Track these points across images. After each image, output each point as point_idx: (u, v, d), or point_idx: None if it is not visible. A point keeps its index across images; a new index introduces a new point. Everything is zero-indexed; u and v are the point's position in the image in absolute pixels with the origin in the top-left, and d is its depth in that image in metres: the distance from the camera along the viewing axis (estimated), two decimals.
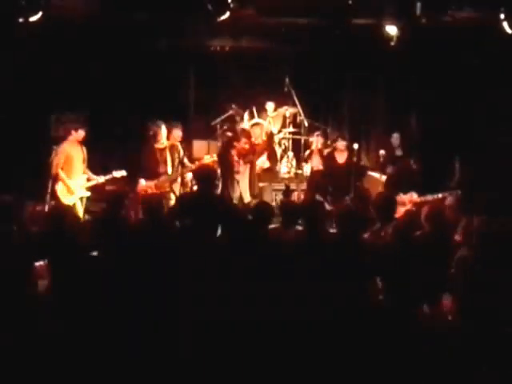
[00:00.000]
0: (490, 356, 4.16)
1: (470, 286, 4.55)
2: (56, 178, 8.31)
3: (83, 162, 8.49)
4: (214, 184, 6.66)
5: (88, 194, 8.49)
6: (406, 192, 8.20)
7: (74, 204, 8.30)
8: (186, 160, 8.95)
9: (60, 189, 8.31)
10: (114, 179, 8.49)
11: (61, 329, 4.42)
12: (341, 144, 9.39)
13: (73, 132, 8.40)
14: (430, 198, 8.11)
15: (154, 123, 8.64)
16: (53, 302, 4.59)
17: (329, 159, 9.46)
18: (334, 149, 9.60)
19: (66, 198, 8.30)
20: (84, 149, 8.52)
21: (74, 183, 8.38)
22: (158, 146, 8.62)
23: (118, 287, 4.63)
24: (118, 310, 4.46)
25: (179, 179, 8.84)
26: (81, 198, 8.46)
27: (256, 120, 10.51)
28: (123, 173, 8.47)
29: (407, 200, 8.09)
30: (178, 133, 8.99)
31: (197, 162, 8.88)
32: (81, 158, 8.46)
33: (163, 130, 8.63)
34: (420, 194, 8.17)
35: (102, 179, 8.50)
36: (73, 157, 8.38)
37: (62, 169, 8.32)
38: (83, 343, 4.31)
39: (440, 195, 8.09)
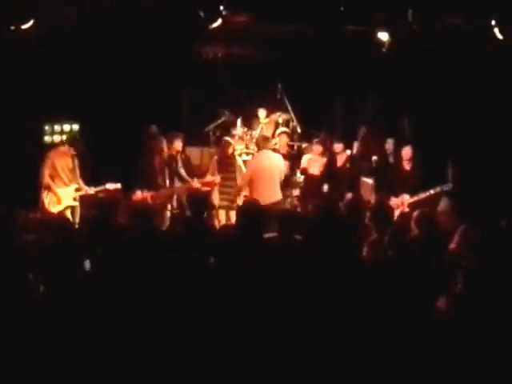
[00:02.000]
0: (486, 359, 4.16)
1: (468, 290, 4.55)
2: (44, 187, 8.31)
3: (72, 171, 8.46)
4: (203, 212, 6.57)
5: (76, 203, 8.44)
6: (397, 195, 8.24)
7: (62, 213, 8.26)
8: (183, 173, 8.88)
9: (47, 197, 8.31)
10: (107, 191, 8.44)
11: (53, 337, 4.39)
12: (337, 147, 9.44)
13: (65, 146, 8.50)
14: (422, 195, 8.15)
15: (156, 136, 8.61)
16: (47, 315, 4.56)
17: (330, 165, 9.48)
18: (335, 153, 9.63)
19: (53, 207, 8.29)
20: (75, 159, 8.50)
21: (62, 192, 8.36)
22: (159, 158, 8.60)
23: (113, 298, 4.61)
24: (111, 321, 4.44)
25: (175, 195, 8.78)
26: (72, 208, 8.43)
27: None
28: (117, 186, 8.42)
29: (400, 202, 8.12)
30: (178, 143, 8.98)
31: (195, 179, 8.80)
32: (70, 167, 8.45)
33: (165, 143, 8.62)
34: (412, 195, 8.21)
35: (92, 191, 8.48)
36: (60, 166, 8.39)
37: (50, 177, 8.32)
38: (75, 352, 4.29)
39: (432, 191, 8.13)
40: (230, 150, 9.20)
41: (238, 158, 9.44)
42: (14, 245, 5.13)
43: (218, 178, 8.87)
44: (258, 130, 10.91)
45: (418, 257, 5.26)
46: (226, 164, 9.10)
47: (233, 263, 4.95)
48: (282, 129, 10.71)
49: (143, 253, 5.12)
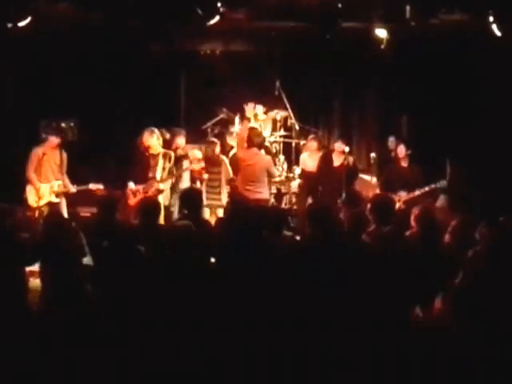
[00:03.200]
0: (485, 358, 4.17)
1: (467, 288, 4.55)
2: (27, 182, 8.28)
3: (58, 167, 8.41)
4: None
5: (57, 200, 8.38)
6: (395, 192, 8.24)
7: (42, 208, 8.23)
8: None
9: (28, 191, 8.28)
10: (89, 191, 8.39)
11: (52, 335, 4.39)
12: (339, 146, 9.42)
13: (50, 138, 8.39)
14: (418, 192, 8.18)
15: (149, 129, 8.62)
16: (45, 311, 4.57)
17: (325, 161, 9.46)
18: (332, 151, 9.62)
19: (33, 201, 8.25)
20: (63, 155, 8.46)
21: (44, 187, 8.33)
22: (152, 151, 8.59)
23: (115, 294, 4.61)
24: (111, 318, 4.44)
25: (167, 186, 8.75)
26: (55, 204, 8.38)
27: (252, 124, 10.46)
28: (100, 186, 8.38)
29: (396, 199, 8.12)
30: (181, 140, 9.10)
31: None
32: (55, 163, 8.41)
33: (157, 137, 8.60)
34: (408, 192, 8.23)
35: (74, 189, 8.44)
36: (45, 161, 8.34)
37: (35, 172, 8.28)
38: (73, 347, 4.28)
39: (427, 188, 8.17)
40: (217, 150, 9.33)
41: (223, 157, 9.46)
42: (12, 242, 5.13)
43: (202, 164, 9.04)
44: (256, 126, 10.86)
45: (417, 253, 5.27)
46: (212, 163, 9.23)
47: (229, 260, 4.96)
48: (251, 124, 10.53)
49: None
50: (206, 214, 9.02)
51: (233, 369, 4.22)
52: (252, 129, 9.09)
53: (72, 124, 9.83)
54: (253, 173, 8.20)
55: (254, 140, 8.35)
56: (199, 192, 7.80)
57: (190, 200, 6.48)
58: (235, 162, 8.99)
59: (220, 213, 9.08)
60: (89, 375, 4.13)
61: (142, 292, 4.61)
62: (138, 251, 5.12)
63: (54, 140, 8.39)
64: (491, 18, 8.39)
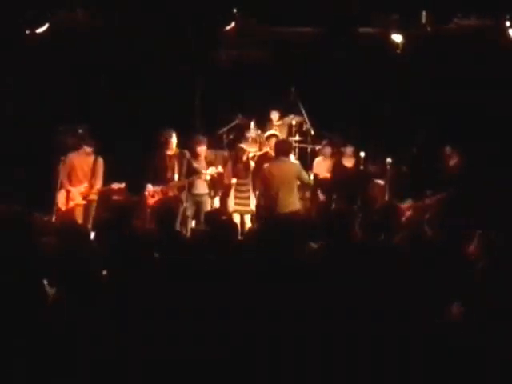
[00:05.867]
0: (502, 363, 4.14)
1: (484, 294, 4.52)
2: (60, 187, 8.56)
3: (88, 172, 8.63)
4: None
5: (83, 202, 8.61)
6: (401, 200, 8.21)
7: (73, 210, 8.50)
8: (195, 165, 8.93)
9: (60, 196, 8.57)
10: (112, 190, 8.61)
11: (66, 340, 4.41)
12: (349, 150, 9.41)
13: (84, 146, 8.63)
14: (427, 201, 8.15)
15: (166, 130, 8.70)
16: (60, 317, 4.58)
17: (337, 165, 9.46)
18: (342, 155, 9.62)
19: (63, 205, 8.54)
20: (98, 161, 8.67)
21: (74, 190, 8.60)
22: (168, 152, 8.70)
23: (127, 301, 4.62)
24: (127, 325, 4.45)
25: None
26: (85, 206, 8.57)
27: (272, 131, 10.51)
28: (122, 185, 8.56)
29: (405, 208, 8.07)
30: (203, 148, 9.06)
31: (203, 171, 8.87)
32: (84, 168, 8.64)
33: (174, 137, 8.70)
34: (416, 199, 8.20)
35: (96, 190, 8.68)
36: (77, 166, 8.63)
37: (68, 176, 8.61)
38: (87, 354, 4.29)
39: (437, 196, 8.13)
40: (245, 157, 9.39)
41: (251, 163, 9.51)
42: (29, 246, 5.15)
43: (234, 180, 9.17)
44: (272, 132, 10.88)
45: (432, 258, 5.24)
46: (240, 169, 9.31)
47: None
48: (271, 132, 10.53)
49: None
50: (236, 218, 9.04)
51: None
52: (275, 136, 9.15)
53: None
54: (282, 183, 7.85)
55: (282, 148, 8.10)
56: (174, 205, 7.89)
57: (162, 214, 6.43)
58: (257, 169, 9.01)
59: (247, 219, 9.17)
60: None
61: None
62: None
63: (87, 149, 8.61)
64: (508, 23, 8.37)
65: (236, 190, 9.24)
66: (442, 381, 4.13)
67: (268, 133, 10.33)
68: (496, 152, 9.51)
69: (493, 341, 4.16)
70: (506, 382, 4.05)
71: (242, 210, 9.21)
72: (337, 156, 9.87)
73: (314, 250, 5.57)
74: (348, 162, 9.36)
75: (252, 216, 9.08)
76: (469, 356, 4.13)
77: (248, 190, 9.23)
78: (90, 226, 8.22)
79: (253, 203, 9.09)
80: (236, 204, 9.19)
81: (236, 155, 9.44)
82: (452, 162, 8.76)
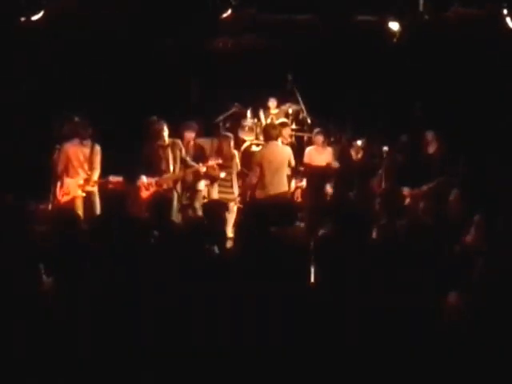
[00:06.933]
0: (500, 354, 4.13)
1: (482, 283, 4.50)
2: (57, 177, 8.42)
3: (84, 162, 8.47)
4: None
5: (83, 194, 8.45)
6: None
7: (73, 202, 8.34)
8: (188, 158, 8.87)
9: (58, 187, 8.42)
10: (110, 183, 8.51)
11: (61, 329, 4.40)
12: (358, 143, 9.41)
13: (80, 134, 8.46)
14: (424, 188, 8.10)
15: (157, 121, 8.62)
16: (58, 304, 4.57)
17: (343, 156, 9.44)
18: (350, 146, 9.59)
19: (62, 197, 8.38)
20: (92, 147, 8.49)
21: (71, 182, 8.43)
22: (161, 143, 8.58)
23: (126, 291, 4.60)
24: (120, 312, 4.44)
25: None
26: (85, 198, 8.48)
27: (283, 119, 10.48)
28: (119, 178, 8.50)
29: (407, 194, 8.05)
30: (191, 134, 9.02)
31: (201, 164, 8.75)
32: (80, 157, 8.47)
33: (165, 129, 8.60)
34: (412, 187, 8.15)
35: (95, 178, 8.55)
36: (72, 156, 8.43)
37: (64, 167, 8.41)
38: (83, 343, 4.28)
39: (431, 185, 8.08)
40: (229, 145, 9.27)
41: (235, 152, 9.45)
42: (24, 235, 5.13)
43: (219, 160, 8.89)
44: (268, 120, 10.86)
45: (430, 246, 5.23)
46: (224, 158, 9.11)
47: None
48: (282, 119, 10.53)
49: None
50: None
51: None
52: (287, 125, 9.13)
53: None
54: (275, 167, 8.07)
55: (270, 133, 8.24)
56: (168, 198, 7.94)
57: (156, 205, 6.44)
58: (248, 157, 8.97)
59: (232, 206, 9.05)
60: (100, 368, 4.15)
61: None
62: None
63: (84, 136, 8.44)
64: (505, 11, 8.34)
65: (219, 179, 9.14)
66: (442, 372, 4.12)
67: (279, 120, 10.37)
68: (494, 139, 9.51)
69: (492, 330, 4.16)
70: (505, 372, 4.05)
71: (226, 198, 9.09)
72: (342, 147, 9.82)
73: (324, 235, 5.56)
74: (355, 155, 9.34)
75: (235, 203, 9.05)
76: (468, 346, 4.13)
77: (231, 179, 9.20)
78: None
79: (236, 191, 9.11)
80: (220, 192, 9.12)
81: (220, 144, 9.35)
82: (431, 149, 8.65)
